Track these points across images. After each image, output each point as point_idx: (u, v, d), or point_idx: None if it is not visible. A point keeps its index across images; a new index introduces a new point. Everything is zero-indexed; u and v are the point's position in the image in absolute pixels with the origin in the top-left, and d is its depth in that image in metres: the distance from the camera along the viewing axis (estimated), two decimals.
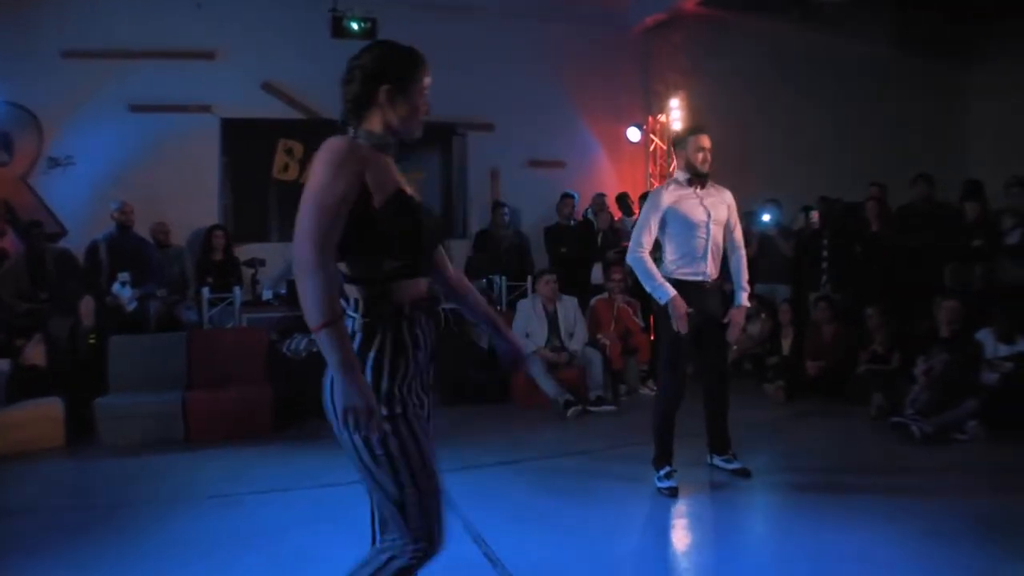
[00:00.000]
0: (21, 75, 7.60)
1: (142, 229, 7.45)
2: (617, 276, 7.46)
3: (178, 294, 7.54)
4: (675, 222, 4.21)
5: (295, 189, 8.76)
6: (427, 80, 2.10)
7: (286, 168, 8.76)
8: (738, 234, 4.47)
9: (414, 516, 1.98)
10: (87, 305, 6.38)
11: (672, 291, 4.12)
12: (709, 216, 4.23)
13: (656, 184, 10.00)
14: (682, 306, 4.10)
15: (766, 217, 7.94)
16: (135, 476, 4.89)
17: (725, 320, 4.33)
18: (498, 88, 9.18)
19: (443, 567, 3.27)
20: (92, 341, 6.31)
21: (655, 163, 10.09)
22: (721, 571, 3.37)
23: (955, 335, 5.77)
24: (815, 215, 7.82)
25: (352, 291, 1.98)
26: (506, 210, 8.85)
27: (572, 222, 8.69)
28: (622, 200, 9.31)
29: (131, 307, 6.71)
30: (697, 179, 4.25)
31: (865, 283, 7.15)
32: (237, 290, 7.06)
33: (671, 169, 9.94)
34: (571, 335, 6.88)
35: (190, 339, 6.45)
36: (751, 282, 7.36)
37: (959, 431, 5.26)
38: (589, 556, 3.45)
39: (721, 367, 4.52)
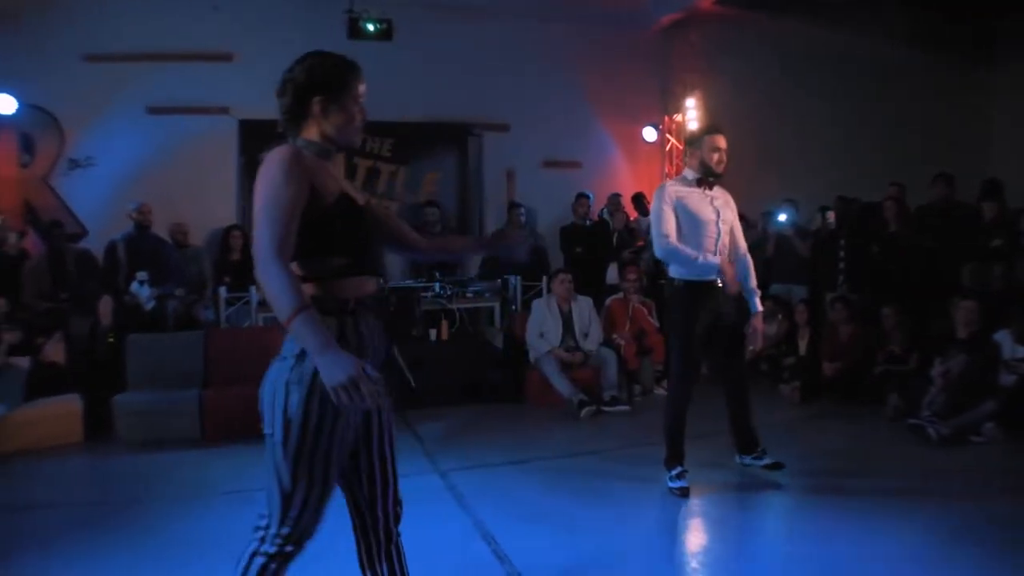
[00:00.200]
0: (43, 78, 7.71)
1: (161, 229, 7.54)
2: (632, 276, 7.45)
3: (196, 294, 7.62)
4: (684, 219, 4.14)
5: None
6: (361, 88, 2.16)
7: None
8: (742, 239, 4.43)
9: (294, 511, 2.06)
10: (106, 304, 6.45)
11: (718, 260, 4.12)
12: (718, 215, 4.19)
13: None
14: (732, 272, 4.09)
15: (782, 217, 7.89)
16: (151, 472, 4.96)
17: (746, 329, 4.32)
18: (514, 88, 9.21)
19: (451, 564, 3.33)
20: (111, 340, 6.39)
21: (671, 163, 10.06)
22: (729, 571, 3.37)
23: (973, 336, 5.71)
24: (831, 215, 7.76)
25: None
26: (522, 210, 8.86)
27: (587, 222, 8.69)
28: (638, 200, 9.30)
29: (149, 306, 6.79)
30: (706, 180, 4.20)
31: (882, 283, 7.09)
32: (253, 289, 7.11)
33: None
34: (586, 335, 6.87)
35: (207, 338, 6.51)
36: (766, 283, 7.38)
37: (976, 433, 5.20)
38: (597, 555, 3.46)
39: (738, 369, 4.47)
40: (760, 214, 8.50)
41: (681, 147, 9.92)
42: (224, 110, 8.37)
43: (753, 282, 4.41)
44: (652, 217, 4.29)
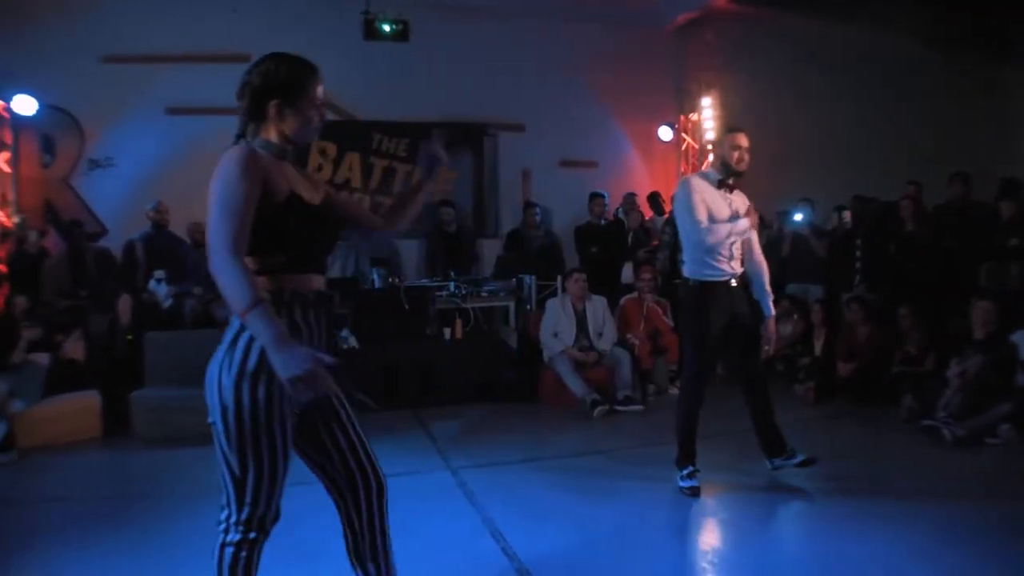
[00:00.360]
0: (63, 80, 7.83)
1: (179, 228, 7.63)
2: (647, 275, 7.43)
3: (213, 292, 7.70)
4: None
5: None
6: (319, 90, 2.22)
7: (320, 168, 8.90)
8: (757, 242, 4.40)
9: (249, 496, 2.13)
10: (125, 303, 6.54)
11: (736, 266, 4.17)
12: (736, 216, 4.18)
13: None
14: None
15: (798, 216, 7.84)
16: (167, 468, 5.02)
17: (761, 331, 4.30)
18: (529, 88, 9.25)
19: (459, 560, 3.35)
20: (129, 337, 6.47)
21: (687, 162, 10.05)
22: (738, 571, 3.36)
23: (990, 336, 5.65)
24: (848, 214, 7.70)
25: None
26: (537, 210, 8.88)
27: (602, 221, 8.68)
28: (653, 199, 9.28)
29: (167, 304, 6.87)
30: (727, 181, 4.18)
31: (899, 283, 7.03)
32: None
33: (703, 167, 9.90)
34: (600, 334, 6.87)
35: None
36: (782, 283, 7.34)
37: (992, 435, 5.13)
38: (605, 554, 3.46)
39: (755, 369, 4.42)
40: (776, 213, 8.45)
41: (697, 146, 9.91)
42: None
43: (767, 285, 4.38)
44: (681, 208, 4.17)
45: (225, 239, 1.97)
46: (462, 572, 3.27)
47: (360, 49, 8.58)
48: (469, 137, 9.47)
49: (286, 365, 1.91)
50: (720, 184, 4.18)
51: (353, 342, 6.70)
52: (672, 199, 4.41)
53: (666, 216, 8.75)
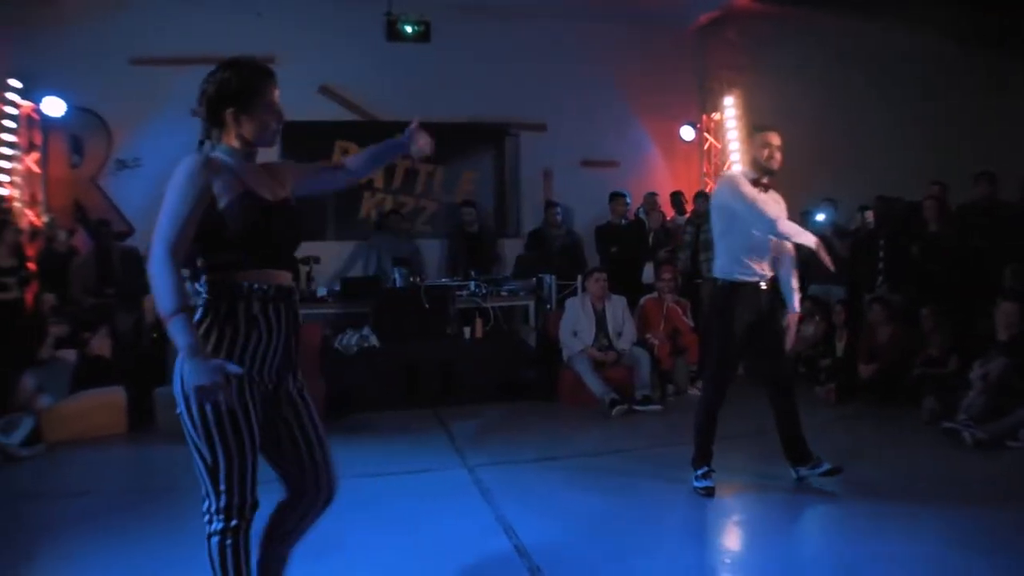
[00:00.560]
0: (91, 82, 7.98)
1: None
2: (667, 275, 7.43)
3: None
4: (741, 218, 4.06)
5: (351, 189, 8.98)
6: (275, 94, 2.30)
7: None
8: (787, 244, 4.31)
9: (223, 484, 2.21)
10: (150, 301, 6.62)
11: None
12: None
13: (711, 184, 9.92)
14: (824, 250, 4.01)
15: (820, 217, 7.78)
16: (189, 462, 4.99)
17: (784, 326, 4.26)
18: (550, 88, 9.25)
19: (471, 557, 3.38)
20: (155, 335, 6.58)
21: (709, 162, 10.01)
22: (753, 572, 3.36)
23: (1013, 339, 5.57)
24: (870, 214, 7.64)
25: (204, 278, 2.25)
26: (558, 210, 8.88)
27: (623, 221, 8.67)
28: (676, 199, 9.26)
29: (191, 303, 6.96)
30: (761, 181, 4.12)
31: (922, 284, 6.95)
32: None
33: (726, 167, 9.85)
34: (619, 334, 6.87)
35: None
36: (805, 284, 7.28)
37: (1013, 438, 5.07)
38: (618, 552, 3.46)
39: (780, 373, 4.36)
40: (798, 214, 8.38)
41: (719, 146, 9.87)
42: None
43: (795, 282, 4.34)
44: (739, 201, 4.03)
45: (164, 246, 2.11)
46: (473, 569, 3.29)
47: (382, 50, 8.66)
48: (491, 137, 9.50)
49: (194, 374, 2.06)
50: (755, 183, 4.11)
51: (374, 341, 6.76)
52: (714, 194, 4.32)
53: (687, 216, 8.73)
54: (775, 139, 4.13)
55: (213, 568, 2.27)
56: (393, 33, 8.55)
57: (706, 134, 9.94)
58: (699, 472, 4.23)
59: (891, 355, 6.62)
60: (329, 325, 7.24)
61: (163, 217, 2.14)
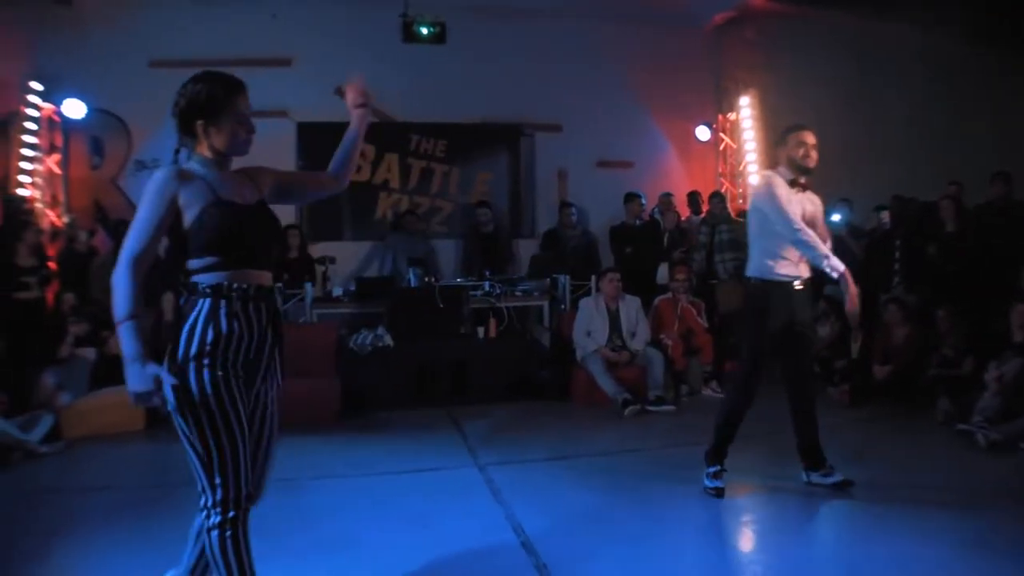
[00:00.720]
0: (111, 85, 8.10)
1: None
2: (681, 276, 7.42)
3: None
4: (773, 219, 4.02)
5: (367, 189, 9.09)
6: (243, 105, 2.40)
7: (358, 169, 9.02)
8: (823, 230, 4.28)
9: (217, 477, 2.29)
10: (168, 301, 6.72)
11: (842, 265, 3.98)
12: (807, 219, 4.08)
13: (726, 184, 9.91)
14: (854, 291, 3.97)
15: (836, 217, 7.74)
16: None
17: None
18: (566, 89, 9.27)
19: (478, 553, 3.41)
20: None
21: (725, 162, 9.99)
22: (763, 572, 3.35)
23: None
24: (886, 215, 7.59)
25: (187, 279, 2.36)
26: (573, 210, 8.91)
27: (637, 222, 8.68)
28: (693, 199, 9.24)
29: None
30: (798, 181, 4.10)
31: (938, 285, 6.91)
32: (308, 286, 7.32)
33: (741, 167, 9.83)
34: (633, 334, 6.88)
35: None
36: (820, 284, 7.24)
37: None
38: (625, 551, 3.47)
39: (806, 372, 4.33)
40: None
41: (735, 146, 9.85)
42: (283, 113, 8.65)
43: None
44: (768, 203, 4.03)
45: (128, 254, 2.24)
46: (479, 565, 3.32)
47: (398, 52, 8.70)
48: (506, 138, 9.54)
49: (133, 380, 2.21)
50: (792, 183, 4.09)
51: (388, 340, 6.81)
52: (751, 194, 4.29)
53: (703, 216, 8.72)
54: (810, 138, 4.11)
55: (215, 561, 2.32)
56: (409, 35, 8.60)
57: (722, 134, 9.93)
58: (711, 470, 4.20)
59: (906, 356, 6.59)
60: (344, 325, 7.31)
61: (131, 228, 2.28)
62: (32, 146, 7.98)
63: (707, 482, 4.21)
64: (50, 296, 6.69)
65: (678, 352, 7.04)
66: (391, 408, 6.46)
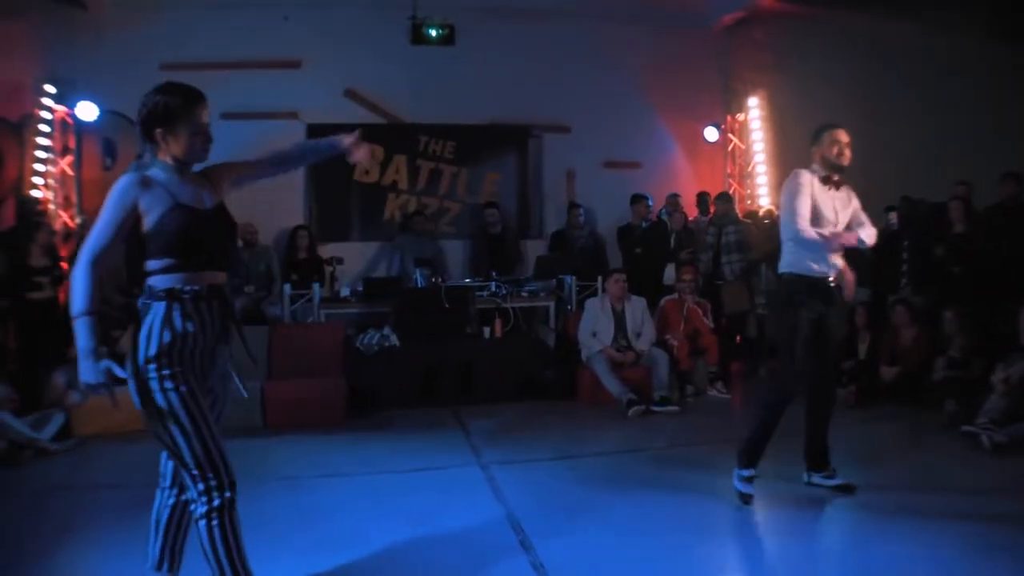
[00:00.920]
0: (123, 87, 8.09)
1: None
2: (687, 276, 7.43)
3: (265, 290, 7.98)
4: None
5: (376, 191, 9.14)
6: (201, 115, 2.51)
7: (367, 171, 9.10)
8: (865, 219, 4.29)
9: (195, 469, 2.43)
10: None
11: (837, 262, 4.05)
12: (836, 217, 4.09)
13: (735, 185, 9.90)
14: (851, 276, 4.03)
15: None
16: None
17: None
18: (574, 90, 9.30)
19: (476, 550, 3.44)
20: None
21: (734, 163, 9.98)
22: (763, 572, 3.37)
23: None
24: (894, 215, 7.57)
25: (147, 280, 2.50)
26: (581, 211, 8.94)
27: (644, 223, 8.69)
28: (702, 199, 9.24)
29: None
30: (831, 178, 4.09)
31: (946, 286, 6.88)
32: (316, 287, 7.39)
33: (750, 168, 9.82)
34: (638, 335, 6.90)
35: (271, 333, 6.82)
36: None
37: None
38: (623, 550, 3.49)
39: (830, 375, 4.31)
40: None
41: (743, 147, 9.84)
42: (293, 115, 8.72)
43: (865, 235, 4.21)
44: (786, 198, 4.04)
45: (88, 253, 2.40)
46: (476, 562, 3.34)
47: (407, 54, 8.77)
48: (514, 139, 9.57)
49: (86, 372, 2.37)
50: (825, 180, 4.08)
51: (394, 340, 6.86)
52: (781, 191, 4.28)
53: (710, 217, 8.72)
54: (843, 136, 4.11)
55: (204, 552, 2.42)
56: (417, 36, 8.65)
57: (730, 135, 9.92)
58: (744, 474, 4.08)
59: (913, 357, 6.57)
60: (352, 325, 7.37)
61: (92, 230, 2.43)
62: (45, 148, 8.09)
63: (739, 485, 4.09)
64: (62, 296, 6.77)
65: (684, 353, 7.04)
66: (397, 408, 6.50)
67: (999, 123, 9.24)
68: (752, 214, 9.08)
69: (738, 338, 8.08)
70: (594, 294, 7.63)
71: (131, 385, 2.41)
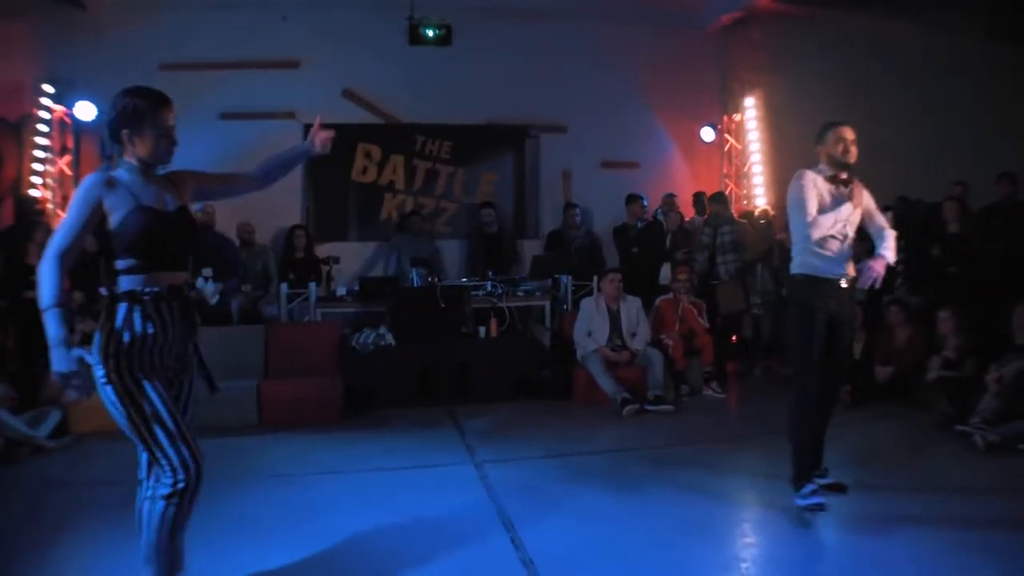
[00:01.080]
0: (123, 86, 8.12)
1: (230, 228, 7.96)
2: (683, 276, 7.46)
3: (262, 289, 8.00)
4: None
5: (373, 191, 9.17)
6: (166, 118, 2.60)
7: (364, 171, 9.13)
8: (881, 220, 4.27)
9: (158, 454, 2.60)
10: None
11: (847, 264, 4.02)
12: (846, 217, 4.02)
13: (731, 185, 9.93)
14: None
15: None
16: (209, 455, 5.05)
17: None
18: (571, 90, 9.32)
19: (467, 547, 3.46)
20: None
21: (730, 163, 10.01)
22: (755, 571, 3.38)
23: None
24: (889, 216, 7.58)
25: (110, 281, 2.60)
26: (577, 211, 8.96)
27: (640, 223, 8.72)
28: (699, 199, 9.26)
29: (214, 301, 7.14)
30: (838, 177, 4.05)
31: (942, 286, 6.90)
32: (312, 286, 7.41)
33: (746, 168, 9.85)
34: (633, 334, 6.92)
35: (268, 332, 6.85)
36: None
37: None
38: (614, 549, 3.51)
39: (839, 378, 4.32)
40: None
41: (740, 147, 9.87)
42: (291, 115, 8.73)
43: (888, 251, 4.12)
44: (793, 200, 4.04)
45: (54, 250, 2.49)
46: (466, 558, 3.37)
47: (404, 54, 8.79)
48: (511, 139, 9.59)
49: (58, 361, 2.48)
50: (833, 179, 4.05)
51: (390, 339, 6.88)
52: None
53: (705, 217, 8.75)
54: (849, 133, 4.09)
55: (147, 527, 2.62)
56: (415, 37, 8.68)
57: (727, 135, 9.94)
58: (805, 491, 3.92)
59: (908, 357, 6.59)
60: (348, 324, 7.40)
61: (59, 227, 2.53)
62: (44, 148, 8.12)
63: (801, 500, 3.92)
64: None
65: (679, 352, 7.06)
66: (392, 407, 6.52)
67: (999, 123, 9.26)
68: (748, 214, 9.10)
69: (733, 338, 8.09)
70: (590, 294, 7.66)
71: (97, 375, 2.54)
